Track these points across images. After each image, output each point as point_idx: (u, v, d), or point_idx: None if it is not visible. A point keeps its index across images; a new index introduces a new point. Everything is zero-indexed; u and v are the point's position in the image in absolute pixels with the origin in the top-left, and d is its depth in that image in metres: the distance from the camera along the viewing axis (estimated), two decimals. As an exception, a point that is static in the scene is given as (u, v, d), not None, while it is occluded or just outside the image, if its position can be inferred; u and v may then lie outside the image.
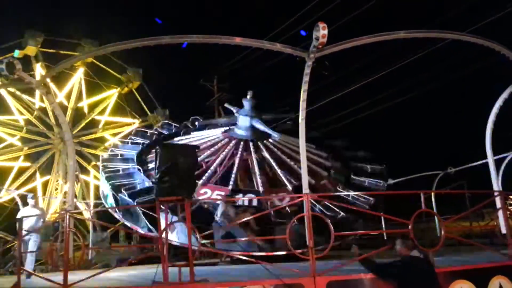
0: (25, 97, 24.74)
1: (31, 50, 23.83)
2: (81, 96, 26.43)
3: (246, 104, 14.96)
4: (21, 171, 24.58)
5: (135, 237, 21.01)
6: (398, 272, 5.57)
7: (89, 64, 25.86)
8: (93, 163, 25.70)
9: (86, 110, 26.61)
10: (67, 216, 7.61)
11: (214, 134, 15.28)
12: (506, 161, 14.68)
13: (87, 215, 21.27)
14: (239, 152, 14.09)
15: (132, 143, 15.55)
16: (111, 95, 26.63)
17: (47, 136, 25.10)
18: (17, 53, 23.49)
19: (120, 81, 26.41)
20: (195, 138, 15.27)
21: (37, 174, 24.71)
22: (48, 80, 24.69)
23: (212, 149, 14.30)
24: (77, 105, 26.32)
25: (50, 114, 24.72)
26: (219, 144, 14.49)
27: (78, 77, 26.14)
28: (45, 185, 25.03)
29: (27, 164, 24.81)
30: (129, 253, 17.81)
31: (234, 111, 15.55)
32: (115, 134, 26.71)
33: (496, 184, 8.92)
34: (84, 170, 25.73)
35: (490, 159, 8.89)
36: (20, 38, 23.86)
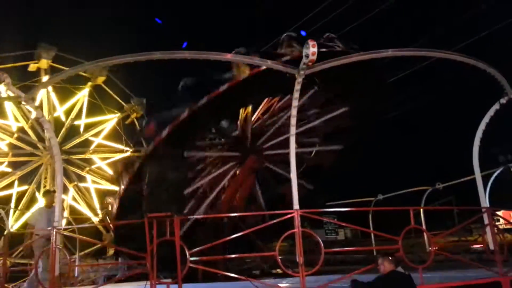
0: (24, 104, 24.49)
1: (43, 63, 23.82)
2: (80, 114, 26.25)
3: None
4: (0, 176, 24.10)
5: (122, 254, 20.69)
6: (382, 286, 5.59)
7: (96, 86, 25.87)
8: (75, 183, 25.34)
9: (82, 129, 26.38)
10: (54, 232, 7.48)
11: None
12: (493, 177, 14.89)
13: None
14: None
15: None
16: (110, 119, 26.44)
17: (37, 147, 24.78)
18: (31, 66, 23.60)
19: (122, 107, 26.26)
20: None
21: (16, 182, 24.29)
22: (51, 91, 24.76)
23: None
24: (74, 122, 26.10)
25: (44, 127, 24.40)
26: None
27: (81, 96, 26.05)
28: (20, 195, 24.54)
29: (9, 170, 24.38)
30: (117, 270, 17.52)
31: None
32: (104, 158, 26.46)
33: (484, 200, 8.99)
34: (64, 189, 25.24)
35: (478, 176, 8.98)
36: (30, 48, 23.77)
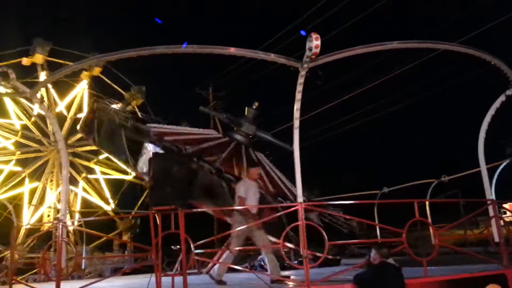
0: (24, 102, 24.72)
1: (38, 58, 23.89)
2: (82, 107, 26.41)
3: (250, 112, 14.80)
4: (11, 175, 24.43)
5: (128, 246, 20.96)
6: (370, 278, 5.64)
7: (94, 77, 25.90)
8: (83, 175, 25.60)
9: (85, 122, 26.52)
10: (60, 226, 7.57)
11: (211, 132, 15.13)
12: (499, 169, 14.80)
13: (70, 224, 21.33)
14: (243, 154, 14.02)
15: None
16: None
17: (42, 143, 25.01)
18: (24, 60, 23.68)
19: (123, 96, 26.40)
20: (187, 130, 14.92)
21: (26, 180, 24.57)
22: (50, 87, 24.89)
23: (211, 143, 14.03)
24: (77, 116, 26.26)
25: (48, 121, 24.64)
26: (218, 141, 14.28)
27: (81, 88, 26.15)
28: (32, 192, 24.86)
29: (18, 168, 24.68)
30: (123, 262, 17.74)
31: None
32: None
33: (489, 193, 8.95)
34: (74, 181, 25.57)
35: (483, 168, 8.93)
36: (27, 45, 23.91)
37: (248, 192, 8.08)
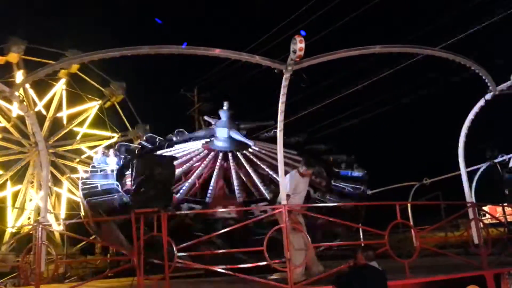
0: (2, 104, 24.18)
1: (13, 57, 23.43)
2: (61, 106, 25.97)
3: (223, 115, 14.99)
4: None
5: (111, 250, 20.67)
6: (351, 279, 5.69)
7: (72, 75, 25.43)
8: (67, 175, 25.17)
9: (65, 121, 26.13)
10: (40, 228, 7.42)
11: (195, 146, 15.22)
12: (479, 172, 15.07)
13: (56, 227, 20.91)
14: (218, 163, 14.05)
15: (115, 156, 14.83)
16: (92, 107, 26.23)
17: (22, 145, 24.51)
18: None
19: (102, 93, 26.04)
20: (178, 150, 15.11)
21: (8, 183, 24.06)
22: (28, 87, 24.39)
23: (192, 161, 14.19)
24: (56, 115, 25.82)
25: (28, 122, 24.18)
26: (199, 156, 14.41)
27: (59, 87, 25.71)
28: (15, 195, 24.36)
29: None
30: (105, 265, 17.46)
31: (213, 122, 15.54)
32: (92, 147, 26.27)
33: (469, 196, 9.12)
34: (58, 182, 25.14)
35: (463, 171, 9.11)
36: (1, 44, 23.42)
37: (296, 189, 7.42)
